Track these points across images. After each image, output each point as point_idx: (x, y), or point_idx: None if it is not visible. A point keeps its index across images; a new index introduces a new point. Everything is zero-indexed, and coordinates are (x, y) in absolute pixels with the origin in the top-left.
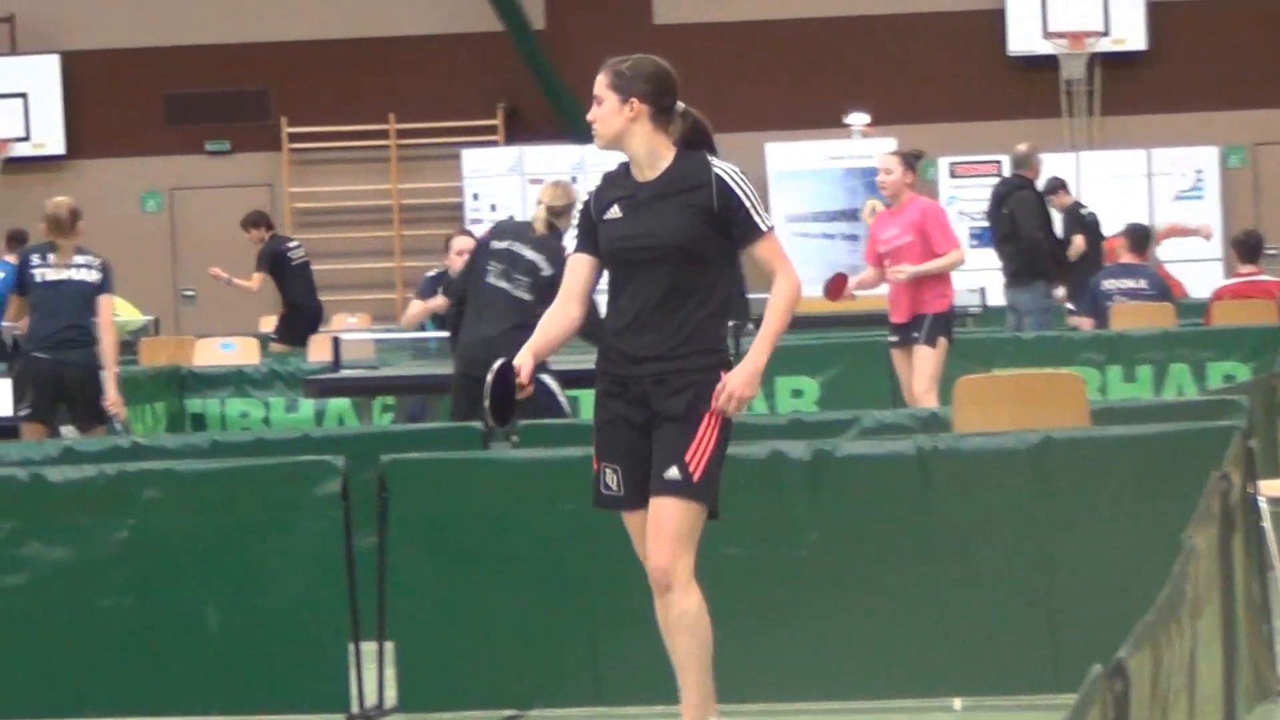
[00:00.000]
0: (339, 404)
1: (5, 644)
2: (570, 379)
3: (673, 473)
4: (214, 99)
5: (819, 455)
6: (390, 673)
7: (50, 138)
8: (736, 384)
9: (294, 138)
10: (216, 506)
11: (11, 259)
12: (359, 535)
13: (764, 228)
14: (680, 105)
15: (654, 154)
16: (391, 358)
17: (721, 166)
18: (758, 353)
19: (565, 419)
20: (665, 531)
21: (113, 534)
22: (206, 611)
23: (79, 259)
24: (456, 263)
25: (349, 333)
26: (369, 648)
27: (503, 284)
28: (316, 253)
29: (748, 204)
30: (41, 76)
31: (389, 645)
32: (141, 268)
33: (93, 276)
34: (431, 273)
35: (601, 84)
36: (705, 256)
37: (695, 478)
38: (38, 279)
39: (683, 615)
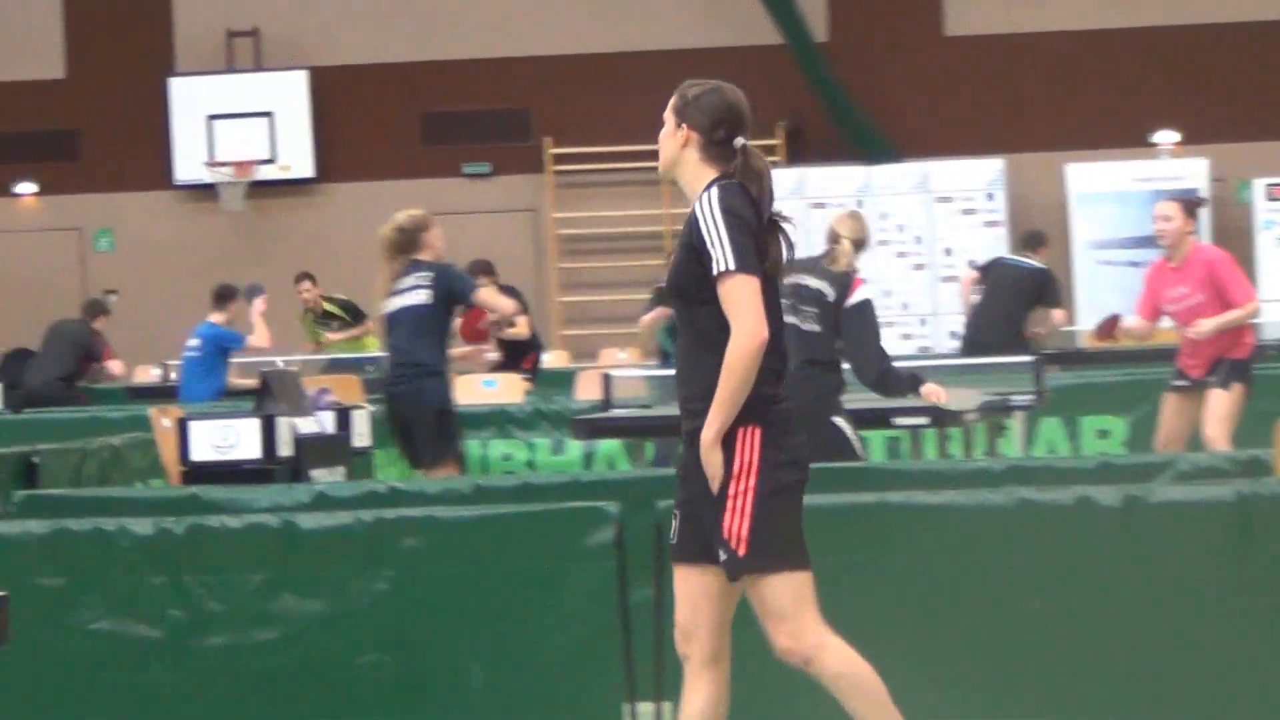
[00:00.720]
0: (609, 445)
1: (256, 703)
2: (864, 418)
3: (722, 555)
4: (473, 118)
5: (1131, 501)
6: None
7: (298, 160)
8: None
9: (558, 159)
10: (480, 556)
11: (218, 319)
12: (633, 587)
13: (722, 266)
14: (739, 141)
15: (695, 188)
16: (665, 395)
17: (703, 196)
18: (709, 423)
19: (857, 462)
20: (761, 615)
21: (370, 586)
22: (470, 669)
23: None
24: None
25: (620, 369)
26: (645, 708)
27: (790, 319)
28: (583, 283)
29: (709, 237)
30: (288, 94)
31: (665, 706)
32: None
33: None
34: None
35: (669, 105)
36: (705, 298)
37: (740, 553)
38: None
39: (834, 680)
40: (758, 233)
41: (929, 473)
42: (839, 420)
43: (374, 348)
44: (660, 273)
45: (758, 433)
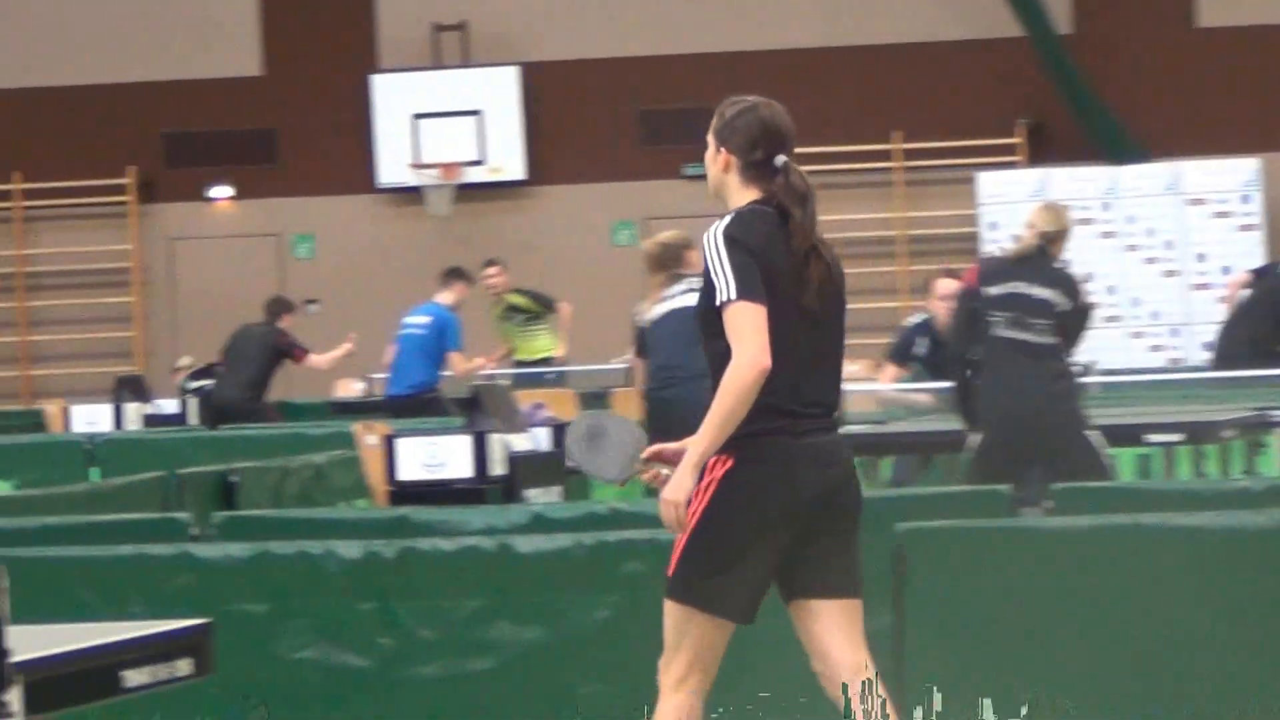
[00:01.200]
0: None
1: None
2: (1114, 435)
3: None
4: (693, 116)
5: None
6: None
7: (508, 161)
8: (666, 488)
9: None
10: None
11: (445, 299)
12: (870, 614)
13: (724, 296)
14: (780, 160)
15: None
16: (898, 412)
17: (712, 226)
18: (692, 445)
19: (1107, 482)
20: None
21: (591, 613)
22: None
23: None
24: (940, 309)
25: (852, 382)
26: None
27: (1019, 334)
28: None
29: (713, 268)
30: (498, 92)
31: None
32: (611, 307)
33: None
34: (914, 319)
35: (711, 125)
36: (718, 331)
37: (669, 571)
38: None
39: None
40: (777, 259)
41: (1183, 493)
42: (1089, 436)
43: (549, 349)
44: (889, 281)
45: (729, 464)
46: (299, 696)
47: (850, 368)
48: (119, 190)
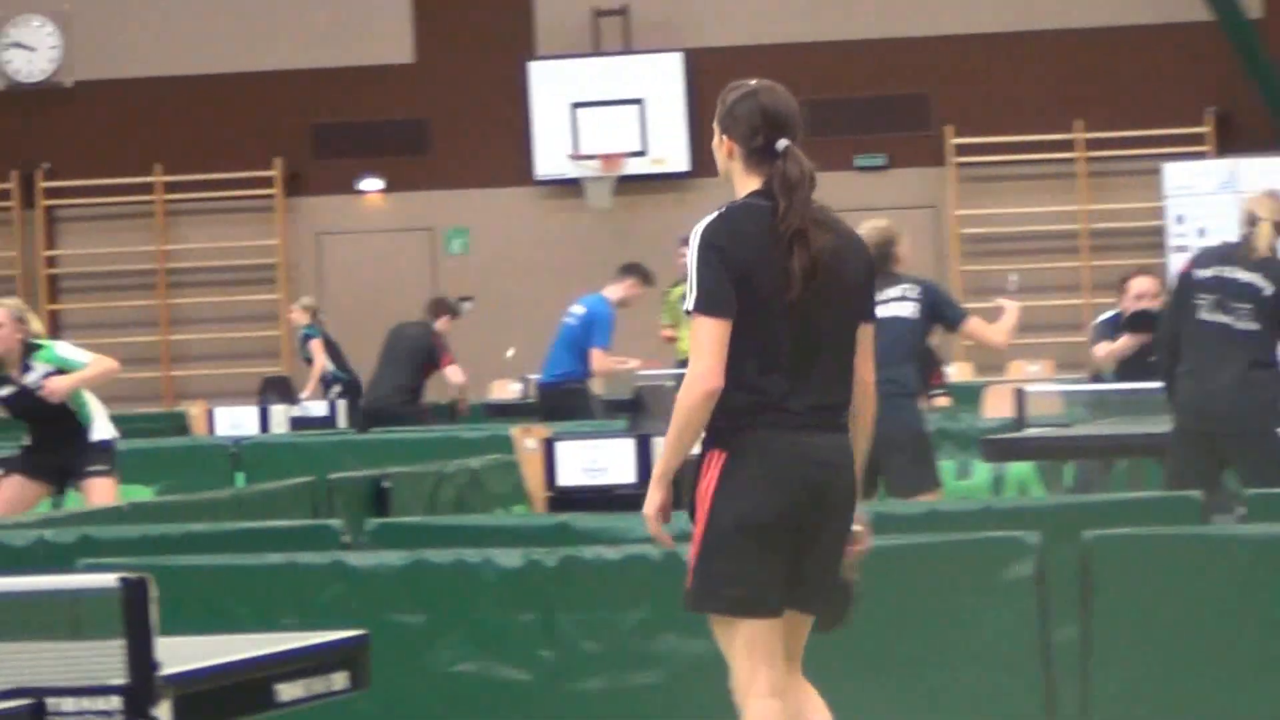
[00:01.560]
0: (1020, 469)
1: None
2: None
3: None
4: (865, 105)
5: None
6: None
7: (671, 152)
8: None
9: (961, 150)
10: (884, 591)
11: (612, 293)
12: (1056, 625)
13: (688, 305)
14: (781, 144)
15: None
16: (1079, 413)
17: (695, 228)
18: (656, 465)
19: None
20: None
21: None
22: (874, 714)
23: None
24: (1132, 306)
25: (1034, 384)
26: None
27: (1220, 317)
28: (989, 287)
29: (688, 273)
30: (661, 79)
31: None
32: None
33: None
34: (1107, 314)
35: (716, 112)
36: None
37: (687, 584)
38: None
39: None
40: (761, 255)
41: None
42: None
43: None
44: (1071, 277)
45: (721, 459)
46: (456, 711)
47: (1030, 368)
48: (265, 183)
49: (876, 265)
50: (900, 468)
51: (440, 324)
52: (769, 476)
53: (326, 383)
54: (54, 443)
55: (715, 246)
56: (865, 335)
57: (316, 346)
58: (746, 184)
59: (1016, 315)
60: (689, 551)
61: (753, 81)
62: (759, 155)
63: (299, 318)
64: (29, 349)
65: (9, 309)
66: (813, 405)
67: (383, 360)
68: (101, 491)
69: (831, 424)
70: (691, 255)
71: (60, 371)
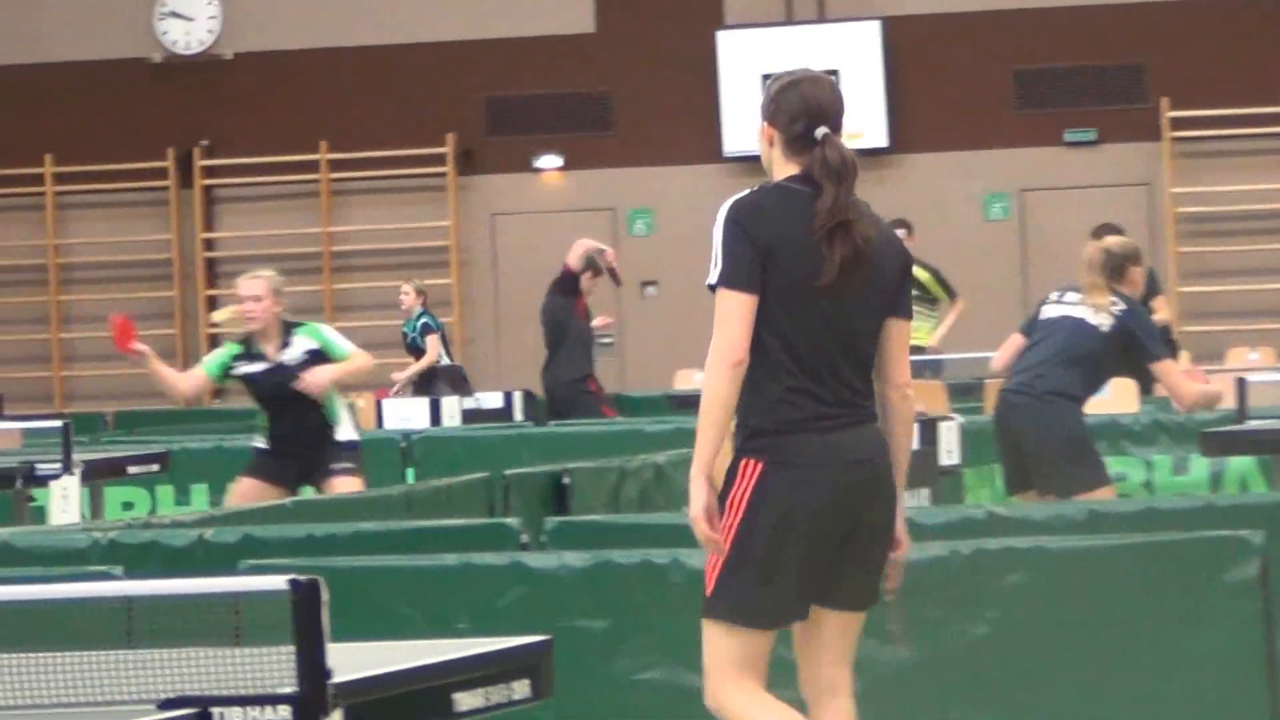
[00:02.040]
0: (1241, 464)
1: None
2: None
3: None
4: (1076, 76)
5: None
6: None
7: (869, 126)
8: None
9: (1177, 124)
10: (1096, 595)
11: None
12: None
13: (710, 279)
14: (821, 132)
15: None
16: None
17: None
18: (694, 456)
19: None
20: None
21: (966, 629)
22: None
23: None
24: None
25: (1256, 373)
26: None
27: None
28: (1207, 270)
29: (713, 249)
30: (858, 49)
31: None
32: (982, 288)
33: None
34: None
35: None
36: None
37: (707, 591)
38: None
39: None
40: (794, 238)
41: None
42: None
43: (924, 338)
44: None
45: (758, 467)
46: None
47: (1250, 355)
48: (436, 161)
49: (1109, 276)
50: (1053, 470)
51: (584, 281)
52: (804, 484)
53: (431, 376)
54: (294, 437)
55: (741, 222)
56: (898, 332)
57: (435, 342)
58: (784, 171)
59: (1219, 397)
60: (710, 571)
61: (799, 71)
62: (799, 143)
63: (411, 301)
64: (288, 326)
65: (267, 280)
66: (838, 396)
67: (552, 347)
68: (348, 490)
69: (856, 416)
70: (717, 230)
71: (321, 355)
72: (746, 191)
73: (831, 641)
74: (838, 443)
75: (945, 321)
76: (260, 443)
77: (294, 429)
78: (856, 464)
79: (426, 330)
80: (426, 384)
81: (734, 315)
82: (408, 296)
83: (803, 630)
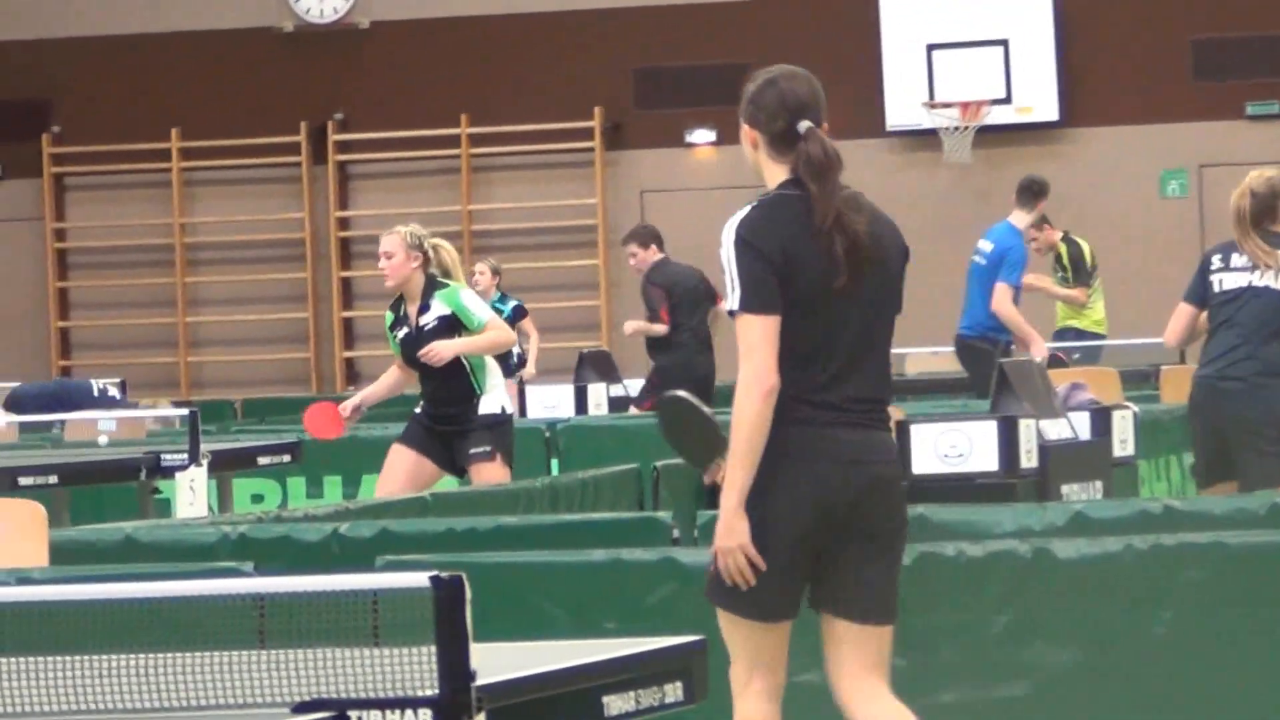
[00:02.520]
0: None
1: None
2: None
3: None
4: (1255, 45)
5: None
6: None
7: (1039, 99)
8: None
9: None
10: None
11: (1019, 220)
12: None
13: (731, 305)
14: (803, 125)
15: None
16: None
17: (728, 224)
18: (725, 487)
19: None
20: None
21: (1144, 630)
22: None
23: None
24: None
25: None
26: None
27: None
28: None
29: (726, 272)
30: (1027, 17)
31: None
32: (1157, 270)
33: None
34: None
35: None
36: None
37: (709, 570)
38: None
39: None
40: (801, 247)
41: None
42: None
43: (1093, 322)
44: None
45: (766, 460)
46: None
47: None
48: (583, 135)
49: (1259, 220)
50: (1257, 455)
51: (647, 254)
52: (803, 480)
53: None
54: (439, 400)
55: (751, 244)
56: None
57: (531, 324)
58: (775, 174)
59: None
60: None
61: (775, 69)
62: (781, 141)
63: (487, 283)
64: (431, 287)
65: (401, 236)
66: (851, 398)
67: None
68: (490, 480)
69: (868, 420)
70: (729, 253)
71: (454, 323)
72: (747, 208)
73: (851, 655)
74: (842, 440)
75: (1056, 289)
76: (419, 409)
77: (437, 394)
78: (854, 465)
79: (521, 314)
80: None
81: (760, 341)
82: (484, 277)
83: (828, 646)
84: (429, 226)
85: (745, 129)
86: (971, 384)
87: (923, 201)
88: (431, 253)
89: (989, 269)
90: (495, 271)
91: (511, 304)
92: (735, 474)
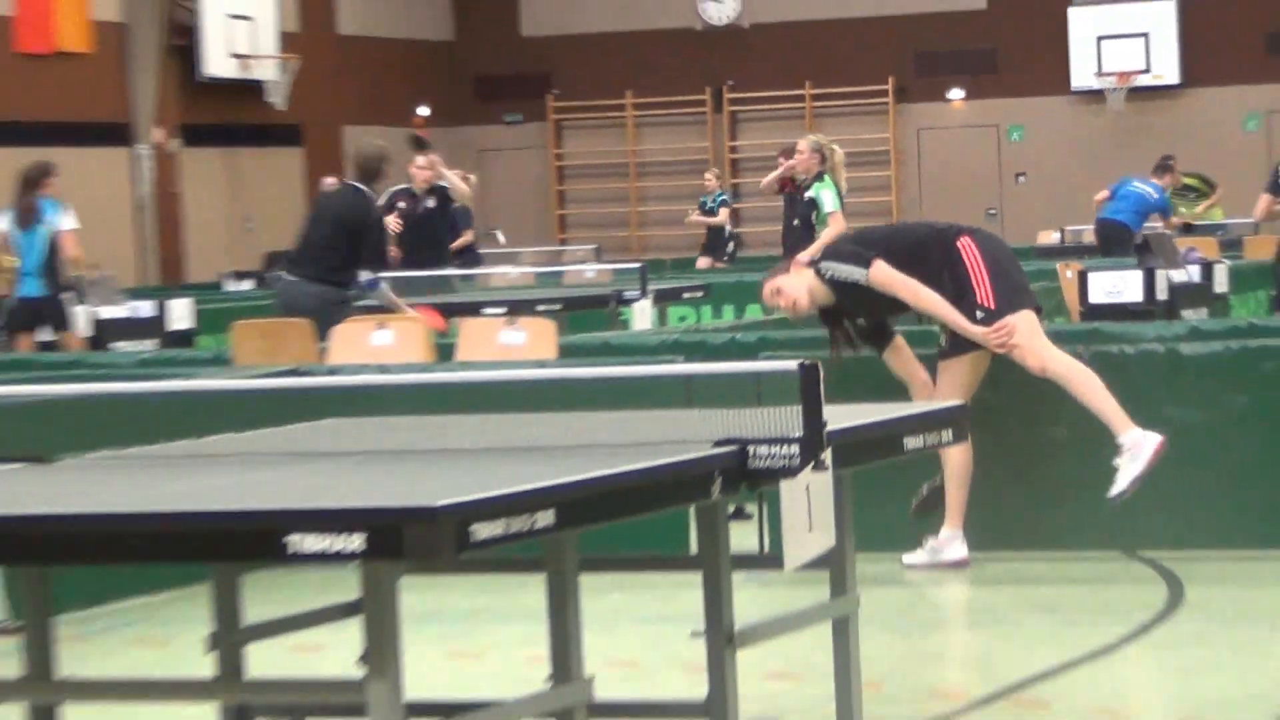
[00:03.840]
0: None
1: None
2: None
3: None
4: None
5: None
6: None
7: (1167, 68)
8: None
9: None
10: None
11: (1161, 181)
12: None
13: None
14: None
15: None
16: None
17: None
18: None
19: None
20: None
21: (1235, 400)
22: None
23: None
24: None
25: None
26: None
27: None
28: None
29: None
30: (1162, 16)
31: None
32: (1242, 185)
33: None
34: None
35: None
36: None
37: (993, 305)
38: None
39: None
40: None
41: None
42: None
43: (1221, 216)
44: None
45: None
46: None
47: None
48: (882, 94)
49: None
50: None
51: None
52: None
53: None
54: None
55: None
56: None
57: (727, 212)
58: None
59: None
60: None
61: None
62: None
63: (713, 184)
64: (816, 180)
65: (808, 141)
66: None
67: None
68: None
69: None
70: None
71: (814, 208)
72: None
73: None
74: None
75: (1207, 202)
76: None
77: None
78: None
79: (724, 204)
80: (714, 245)
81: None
82: (710, 180)
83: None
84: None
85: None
86: (1101, 249)
87: (1092, 138)
88: (828, 154)
89: (1150, 203)
90: (718, 177)
91: (720, 197)
92: (944, 310)
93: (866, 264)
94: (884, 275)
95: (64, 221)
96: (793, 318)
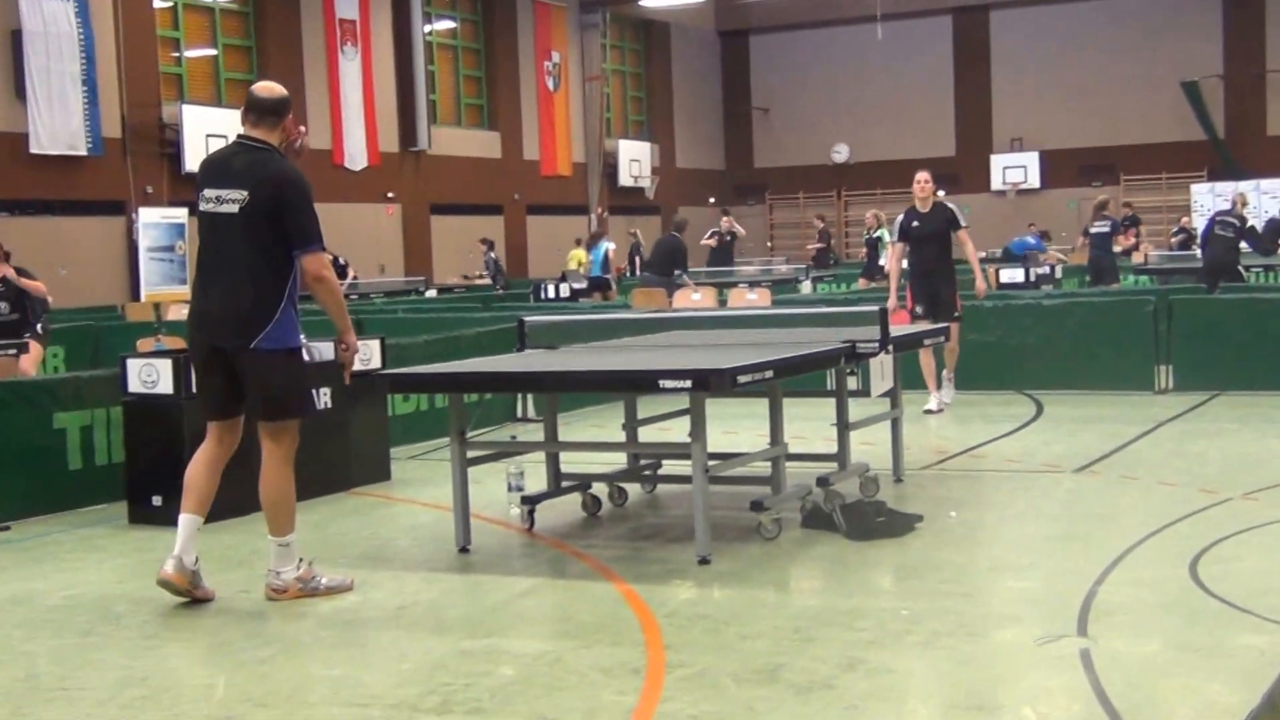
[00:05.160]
0: None
1: None
2: None
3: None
4: None
5: None
6: None
7: (1035, 179)
8: None
9: None
10: None
11: None
12: None
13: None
14: None
15: None
16: None
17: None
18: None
19: None
20: None
21: (1059, 325)
22: None
23: None
24: None
25: None
26: None
27: None
28: None
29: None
30: (1030, 159)
31: None
32: (1074, 231)
33: None
34: None
35: None
36: None
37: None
38: None
39: None
40: None
41: None
42: None
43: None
44: None
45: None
46: None
47: None
48: None
49: None
50: None
51: None
52: None
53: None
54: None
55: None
56: None
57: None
58: None
59: None
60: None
61: None
62: None
63: (870, 221)
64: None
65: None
66: None
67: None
68: None
69: None
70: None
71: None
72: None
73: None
74: None
75: None
76: None
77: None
78: None
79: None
80: (870, 269)
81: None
82: (870, 219)
83: None
84: None
85: None
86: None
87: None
88: None
89: (1033, 245)
90: (876, 218)
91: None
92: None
93: None
94: None
95: None
96: None
